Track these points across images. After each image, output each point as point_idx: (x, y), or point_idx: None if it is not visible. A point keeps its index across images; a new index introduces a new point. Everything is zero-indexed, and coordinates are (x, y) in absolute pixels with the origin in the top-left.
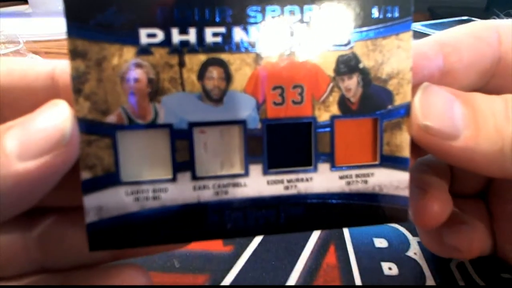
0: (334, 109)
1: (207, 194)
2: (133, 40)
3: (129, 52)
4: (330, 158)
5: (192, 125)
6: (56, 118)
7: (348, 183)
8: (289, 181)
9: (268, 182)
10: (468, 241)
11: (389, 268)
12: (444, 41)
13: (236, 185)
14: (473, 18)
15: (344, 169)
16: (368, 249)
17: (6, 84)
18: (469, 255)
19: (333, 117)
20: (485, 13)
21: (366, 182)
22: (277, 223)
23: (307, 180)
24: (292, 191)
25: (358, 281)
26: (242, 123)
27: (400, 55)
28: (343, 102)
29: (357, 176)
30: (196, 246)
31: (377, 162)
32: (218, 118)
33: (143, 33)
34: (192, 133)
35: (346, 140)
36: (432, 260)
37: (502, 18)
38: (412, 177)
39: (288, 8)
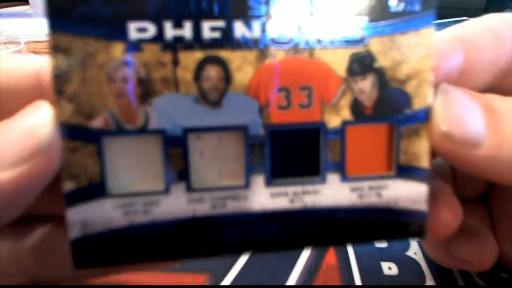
0: (346, 114)
1: (204, 208)
2: (122, 35)
3: (117, 49)
4: (341, 168)
5: (187, 130)
6: (34, 123)
7: (360, 196)
8: (294, 193)
9: (271, 195)
10: (480, 254)
11: (389, 268)
12: (464, 37)
13: (235, 198)
14: (473, 19)
15: (356, 180)
16: (368, 249)
17: None
18: (481, 268)
19: (345, 123)
20: (485, 14)
21: (380, 195)
22: (281, 239)
23: (314, 192)
24: (297, 205)
25: (358, 281)
26: (243, 128)
27: (420, 53)
28: (356, 106)
29: (370, 188)
30: None
31: (392, 173)
32: (216, 123)
33: (132, 27)
34: (187, 140)
35: (359, 148)
36: (432, 260)
37: None
38: None
39: None
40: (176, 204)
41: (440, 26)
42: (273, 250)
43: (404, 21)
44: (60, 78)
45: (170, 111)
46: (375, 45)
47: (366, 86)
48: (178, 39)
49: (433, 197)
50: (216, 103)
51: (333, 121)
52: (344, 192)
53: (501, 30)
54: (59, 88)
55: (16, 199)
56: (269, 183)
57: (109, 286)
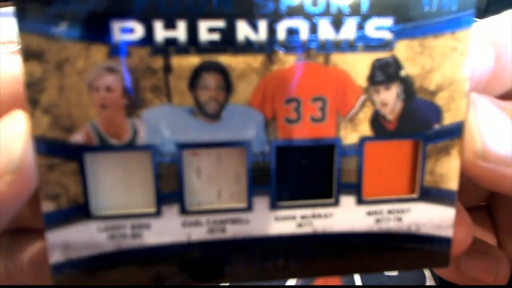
0: (365, 129)
1: (200, 232)
2: (104, 36)
3: (98, 53)
4: (356, 190)
5: (182, 146)
6: (5, 138)
7: (378, 221)
8: (303, 217)
9: (276, 219)
10: (493, 273)
11: None
12: (495, 39)
13: (236, 221)
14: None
15: (374, 203)
16: None
17: None
18: (493, 284)
19: (363, 139)
20: (485, 14)
21: (400, 219)
22: (286, 267)
23: (325, 216)
24: (306, 230)
25: (358, 281)
26: (245, 145)
27: (455, 60)
28: (377, 120)
29: (389, 212)
30: None
31: (415, 196)
32: (215, 138)
33: (116, 27)
34: (181, 156)
35: (378, 168)
36: None
37: None
38: None
39: None
40: (169, 228)
41: None
42: (277, 279)
43: (438, 22)
44: (33, 87)
45: (162, 124)
46: (403, 50)
47: (390, 97)
48: (170, 42)
49: None
50: (214, 116)
51: (350, 138)
52: (360, 216)
53: None
54: (33, 98)
55: None
56: (274, 206)
57: (109, 286)
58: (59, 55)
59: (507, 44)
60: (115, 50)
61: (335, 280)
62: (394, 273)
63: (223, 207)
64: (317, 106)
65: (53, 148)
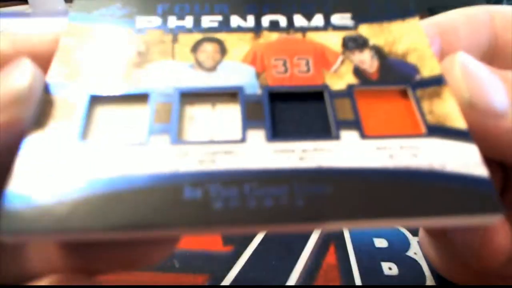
0: (350, 78)
1: (188, 163)
2: (129, 24)
3: (123, 33)
4: (357, 126)
5: (179, 90)
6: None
7: (391, 156)
8: (304, 151)
9: (275, 151)
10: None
11: (389, 268)
12: (439, 22)
13: (229, 153)
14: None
15: (381, 138)
16: (368, 249)
17: (7, 52)
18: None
19: (351, 86)
20: None
21: (416, 156)
22: (291, 207)
23: (329, 151)
24: (309, 164)
25: (358, 281)
26: (238, 89)
27: (413, 36)
28: (359, 72)
29: (401, 148)
30: (196, 246)
31: (423, 132)
32: (210, 84)
33: (139, 20)
34: (178, 97)
35: (374, 111)
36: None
37: None
38: None
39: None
40: (155, 156)
41: None
42: (282, 221)
43: (387, 13)
44: (63, 50)
45: (163, 73)
46: (365, 30)
47: (365, 57)
48: (180, 27)
49: None
50: (211, 69)
51: (338, 85)
52: (369, 150)
53: (474, 13)
54: (61, 58)
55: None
56: (271, 137)
57: (108, 286)
58: (92, 34)
59: (453, 26)
60: (136, 31)
61: (335, 280)
62: (394, 273)
63: (215, 139)
64: (302, 63)
65: (60, 89)
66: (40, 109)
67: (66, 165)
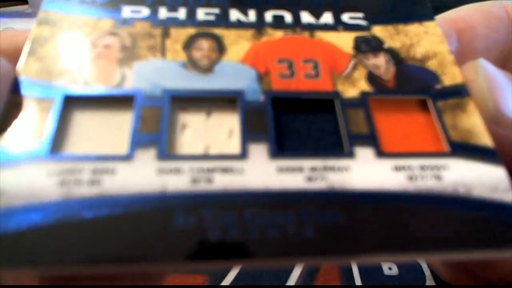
0: (364, 85)
1: (179, 182)
2: (114, 14)
3: (106, 24)
4: (372, 141)
5: (169, 93)
6: None
7: (411, 178)
8: (313, 169)
9: (279, 170)
10: None
11: (389, 268)
12: (454, 20)
13: (227, 170)
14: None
15: (399, 157)
16: None
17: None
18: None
19: (365, 94)
20: None
21: (439, 178)
22: (300, 236)
23: (341, 170)
24: (319, 185)
25: (358, 281)
26: (237, 94)
27: (431, 39)
28: (373, 79)
29: (422, 168)
30: None
31: (446, 151)
32: (206, 87)
33: (126, 9)
34: (167, 102)
35: (391, 124)
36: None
37: None
38: None
39: None
40: (139, 174)
41: None
42: (287, 255)
43: (402, 15)
44: (36, 42)
45: (151, 73)
46: (379, 31)
47: (380, 62)
48: (172, 19)
49: None
50: (206, 70)
51: (350, 92)
52: (385, 171)
53: (490, 8)
54: (32, 49)
55: None
56: (275, 153)
57: (109, 286)
58: (70, 24)
59: (469, 23)
60: (120, 22)
61: (335, 280)
62: (394, 273)
63: (211, 153)
64: (309, 66)
65: (34, 87)
66: (3, 112)
67: (31, 185)
